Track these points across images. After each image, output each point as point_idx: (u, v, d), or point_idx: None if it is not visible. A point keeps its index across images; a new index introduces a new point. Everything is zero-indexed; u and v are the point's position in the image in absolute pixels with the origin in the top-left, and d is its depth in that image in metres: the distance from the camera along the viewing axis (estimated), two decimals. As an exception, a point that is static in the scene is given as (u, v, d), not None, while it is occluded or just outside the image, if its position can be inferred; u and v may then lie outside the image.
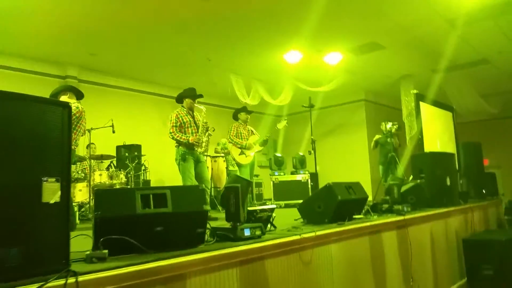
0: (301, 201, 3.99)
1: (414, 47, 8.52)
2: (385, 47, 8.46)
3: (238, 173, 6.06)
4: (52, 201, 1.73)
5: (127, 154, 7.23)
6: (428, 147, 8.54)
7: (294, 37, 7.44)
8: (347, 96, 12.00)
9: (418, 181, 5.06)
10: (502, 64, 9.77)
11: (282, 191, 8.19)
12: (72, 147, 4.39)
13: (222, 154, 8.13)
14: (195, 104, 5.41)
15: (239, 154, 6.06)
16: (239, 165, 6.11)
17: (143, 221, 2.27)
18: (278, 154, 9.27)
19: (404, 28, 7.45)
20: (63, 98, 4.68)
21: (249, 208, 3.05)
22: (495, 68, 10.03)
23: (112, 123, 6.46)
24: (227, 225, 2.69)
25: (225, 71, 9.02)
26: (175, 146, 5.27)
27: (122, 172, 6.63)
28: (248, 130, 6.35)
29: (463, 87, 10.57)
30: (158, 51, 8.02)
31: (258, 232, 2.75)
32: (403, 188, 4.86)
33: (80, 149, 7.43)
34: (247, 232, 2.66)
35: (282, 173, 8.53)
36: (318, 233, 3.10)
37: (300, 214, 3.86)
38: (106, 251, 2.09)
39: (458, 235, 5.38)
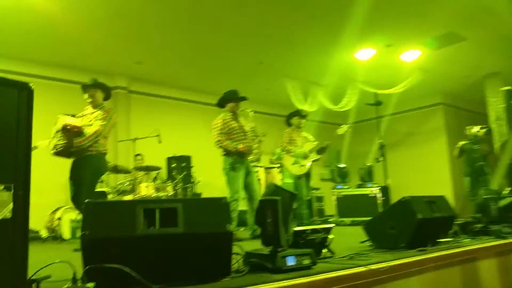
0: (369, 218, 3.28)
1: (503, 37, 7.36)
2: (466, 38, 7.40)
3: (292, 187, 5.42)
4: (-2, 218, 1.26)
5: (173, 165, 6.93)
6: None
7: (360, 33, 6.73)
8: (421, 100, 10.89)
9: (521, 194, 4.08)
10: None
11: (347, 206, 7.42)
12: (102, 149, 4.04)
13: (278, 165, 7.56)
14: (239, 108, 4.92)
15: (293, 164, 5.42)
16: (293, 176, 5.47)
17: (145, 245, 1.75)
18: (342, 165, 8.49)
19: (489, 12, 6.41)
20: (85, 97, 4.20)
21: (296, 229, 2.43)
22: None
23: (158, 133, 6.17)
24: (265, 250, 2.08)
25: (279, 75, 8.49)
26: (223, 155, 4.80)
27: (169, 184, 6.31)
28: (303, 136, 5.69)
29: None
30: (206, 57, 7.73)
31: (306, 261, 2.11)
32: (502, 203, 3.93)
33: (126, 160, 7.30)
34: (291, 261, 2.04)
35: (346, 186, 7.76)
36: (393, 263, 2.38)
37: (367, 235, 3.17)
38: (91, 284, 1.59)
39: None
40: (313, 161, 5.46)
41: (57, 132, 3.80)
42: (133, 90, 8.50)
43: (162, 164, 7.64)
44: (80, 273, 1.63)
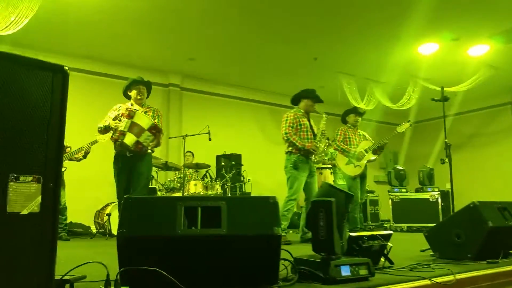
0: (428, 225, 2.98)
1: None
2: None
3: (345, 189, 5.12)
4: (25, 212, 1.17)
5: (223, 163, 6.86)
6: None
7: (422, 26, 6.29)
8: (488, 99, 10.07)
9: None
10: None
11: (404, 211, 7.00)
12: (150, 144, 4.05)
13: (330, 166, 7.25)
14: (314, 108, 4.79)
15: (347, 164, 5.11)
16: (346, 178, 5.17)
17: (185, 246, 1.62)
18: (399, 167, 8.01)
19: None
20: (133, 93, 4.20)
21: (352, 234, 2.20)
22: None
23: (209, 130, 6.12)
24: (316, 257, 1.88)
25: (334, 71, 8.17)
26: (286, 153, 4.62)
27: (218, 182, 6.24)
28: (359, 134, 5.35)
29: None
30: (259, 54, 7.60)
31: (363, 272, 1.88)
32: None
33: (177, 157, 7.34)
34: (345, 271, 1.82)
35: (403, 190, 7.31)
36: (460, 276, 2.10)
37: (429, 244, 2.89)
38: None
39: None
40: (369, 161, 5.12)
41: (143, 129, 3.86)
42: (185, 88, 8.57)
43: (212, 162, 7.62)
44: (115, 273, 1.53)
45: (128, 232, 1.58)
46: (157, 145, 4.08)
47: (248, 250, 1.63)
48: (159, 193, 6.06)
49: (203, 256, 1.62)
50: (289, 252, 1.95)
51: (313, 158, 4.55)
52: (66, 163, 5.11)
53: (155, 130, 3.93)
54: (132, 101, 4.21)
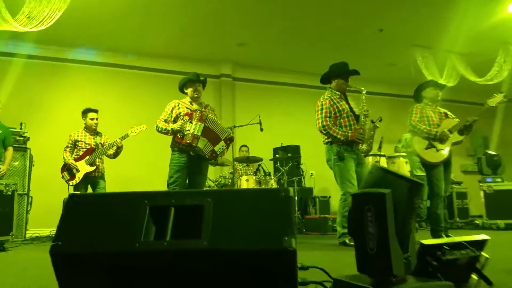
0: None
1: None
2: None
3: (425, 180, 4.27)
4: None
5: (277, 155, 6.30)
6: None
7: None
8: None
9: None
10: None
11: (500, 205, 6.07)
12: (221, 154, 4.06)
13: (404, 154, 6.35)
14: (348, 85, 4.08)
15: (426, 148, 4.24)
16: (427, 166, 4.30)
17: (146, 266, 1.08)
18: (492, 153, 6.86)
19: None
20: (189, 91, 4.02)
21: (425, 243, 1.51)
22: None
23: (259, 120, 5.61)
24: (365, 280, 1.24)
25: (404, 44, 7.20)
26: (325, 143, 4.05)
27: (273, 177, 5.70)
28: (439, 112, 4.42)
29: None
30: (315, 32, 6.90)
31: (443, 303, 1.22)
32: None
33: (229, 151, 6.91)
34: (412, 303, 1.17)
35: (498, 179, 6.25)
36: None
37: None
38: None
39: None
40: (454, 143, 4.19)
41: (218, 138, 3.87)
42: (237, 77, 8.16)
43: (269, 156, 7.09)
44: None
45: (65, 247, 1.09)
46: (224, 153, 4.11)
47: (243, 272, 1.06)
48: (207, 191, 5.68)
49: (174, 281, 1.08)
50: (325, 272, 1.34)
51: (360, 148, 3.93)
52: (108, 162, 4.93)
53: (229, 141, 3.96)
54: (189, 99, 4.05)
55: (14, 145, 5.04)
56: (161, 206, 1.14)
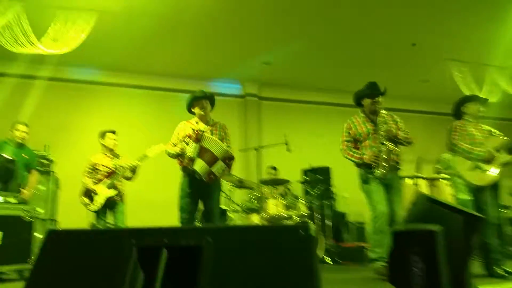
0: None
1: None
2: None
3: (471, 205, 3.84)
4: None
5: (306, 178, 5.97)
6: None
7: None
8: None
9: None
10: None
11: None
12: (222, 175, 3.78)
13: (446, 176, 5.89)
14: (377, 106, 3.82)
15: (470, 170, 3.84)
16: (472, 189, 3.87)
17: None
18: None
19: None
20: (196, 110, 3.88)
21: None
22: None
23: (286, 140, 5.34)
24: None
25: (438, 59, 6.86)
26: (356, 165, 3.85)
27: (302, 201, 5.39)
28: (483, 130, 4.03)
29: None
30: (344, 48, 6.68)
31: None
32: None
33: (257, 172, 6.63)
34: None
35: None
36: None
37: None
38: None
39: None
40: (503, 164, 3.79)
41: (215, 158, 3.65)
42: (263, 97, 7.96)
43: (297, 178, 6.78)
44: None
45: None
46: (229, 173, 3.94)
47: None
48: (232, 215, 5.41)
49: None
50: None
51: (375, 172, 3.60)
52: (130, 185, 4.77)
53: (228, 160, 3.71)
54: (196, 119, 3.92)
55: (37, 168, 4.99)
56: (151, 246, 0.88)
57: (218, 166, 3.62)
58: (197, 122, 3.87)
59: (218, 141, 3.68)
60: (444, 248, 0.96)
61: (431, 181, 5.86)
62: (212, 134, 3.77)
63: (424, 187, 5.57)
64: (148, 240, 0.91)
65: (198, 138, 3.64)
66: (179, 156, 3.71)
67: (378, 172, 3.59)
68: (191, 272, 0.88)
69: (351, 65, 7.22)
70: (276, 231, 0.99)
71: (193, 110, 3.90)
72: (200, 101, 3.85)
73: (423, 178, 5.65)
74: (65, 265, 0.96)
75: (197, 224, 3.91)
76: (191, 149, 3.62)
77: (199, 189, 3.67)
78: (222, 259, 0.87)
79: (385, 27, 6.10)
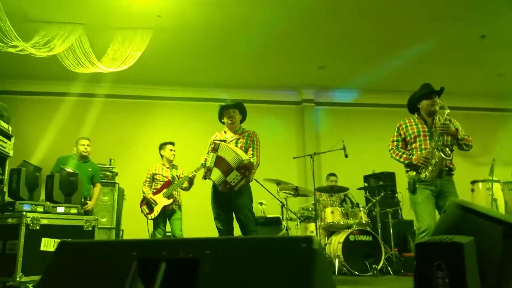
0: None
1: None
2: None
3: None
4: None
5: (366, 184, 5.69)
6: None
7: None
8: None
9: None
10: None
11: None
12: (238, 185, 3.61)
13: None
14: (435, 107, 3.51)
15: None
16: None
17: None
18: None
19: None
20: (225, 120, 3.83)
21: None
22: None
23: (343, 146, 5.15)
24: None
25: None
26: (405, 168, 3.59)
27: (362, 208, 5.15)
28: None
29: None
30: (403, 45, 6.30)
31: None
32: None
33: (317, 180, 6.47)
34: None
35: None
36: None
37: None
38: None
39: None
40: None
41: (230, 167, 3.58)
42: (320, 102, 7.79)
43: (360, 184, 6.50)
44: None
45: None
46: (249, 181, 3.68)
47: None
48: (289, 224, 5.30)
49: None
50: None
51: (422, 175, 3.30)
52: (186, 195, 4.88)
53: (244, 170, 3.57)
54: (226, 128, 3.92)
55: (103, 180, 5.29)
56: (150, 259, 0.85)
57: (233, 176, 3.56)
58: (225, 132, 3.88)
59: (235, 150, 3.62)
60: (474, 262, 0.82)
61: (508, 184, 5.32)
62: (237, 143, 3.74)
63: (498, 192, 5.06)
64: (149, 252, 0.90)
65: (215, 147, 3.65)
66: (204, 166, 3.76)
67: (424, 175, 3.30)
68: (189, 284, 0.84)
69: (412, 65, 6.81)
70: (276, 242, 0.91)
71: (222, 120, 3.91)
72: (228, 110, 3.85)
73: (498, 182, 5.15)
74: (70, 275, 0.97)
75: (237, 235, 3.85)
76: (209, 159, 3.66)
77: (225, 199, 3.63)
78: (219, 271, 0.82)
79: (449, 21, 5.69)
